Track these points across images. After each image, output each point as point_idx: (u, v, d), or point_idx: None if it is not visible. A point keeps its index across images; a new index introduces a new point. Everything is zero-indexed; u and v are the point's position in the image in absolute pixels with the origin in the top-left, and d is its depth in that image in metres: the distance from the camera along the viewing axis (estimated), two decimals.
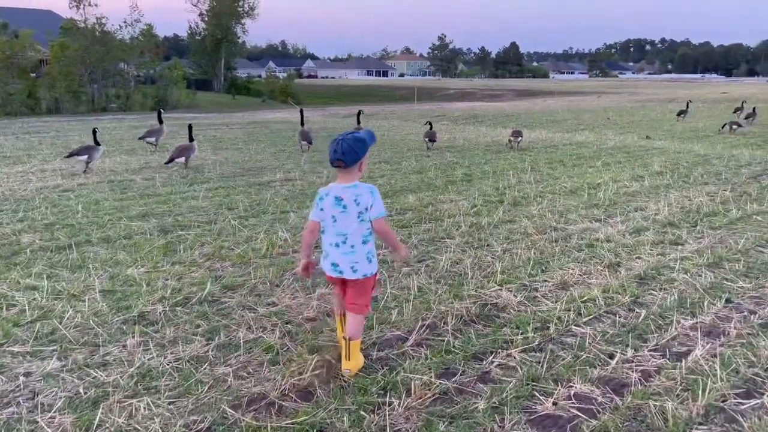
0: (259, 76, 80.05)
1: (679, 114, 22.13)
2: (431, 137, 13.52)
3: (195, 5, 74.11)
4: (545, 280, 4.90)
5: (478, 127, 19.45)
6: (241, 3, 73.89)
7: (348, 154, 3.18)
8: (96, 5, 43.97)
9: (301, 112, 14.04)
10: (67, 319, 4.06)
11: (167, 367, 3.44)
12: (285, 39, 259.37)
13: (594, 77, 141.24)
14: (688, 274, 5.04)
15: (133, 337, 3.78)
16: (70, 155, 10.04)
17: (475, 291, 4.62)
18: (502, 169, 10.33)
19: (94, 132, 10.60)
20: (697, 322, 4.11)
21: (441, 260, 5.25)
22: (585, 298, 4.47)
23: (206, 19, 73.96)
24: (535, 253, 5.59)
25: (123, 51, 44.13)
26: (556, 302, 4.43)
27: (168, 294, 4.50)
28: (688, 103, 22.84)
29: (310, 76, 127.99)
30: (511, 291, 4.64)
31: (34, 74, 41.25)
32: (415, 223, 6.69)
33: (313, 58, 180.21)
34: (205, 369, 3.43)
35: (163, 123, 13.14)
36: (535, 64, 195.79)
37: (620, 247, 5.83)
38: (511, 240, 6.08)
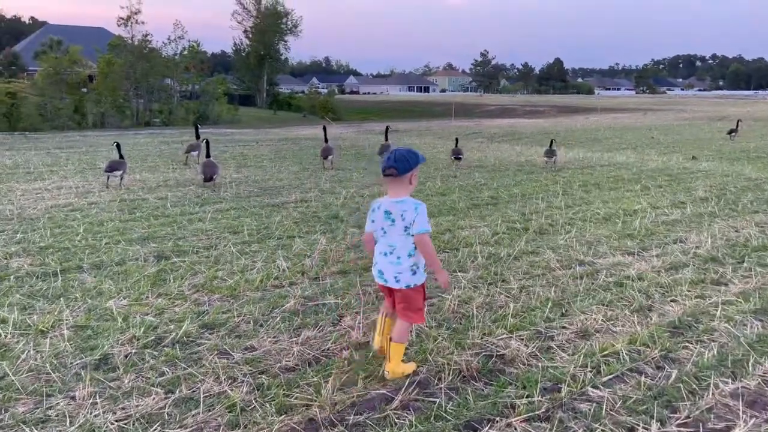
0: (303, 92, 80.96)
1: (729, 133, 21.02)
2: (457, 154, 13.22)
3: (240, 22, 75.73)
4: (563, 327, 4.32)
5: (513, 145, 18.81)
6: (284, 20, 75.21)
7: (401, 161, 3.35)
8: (143, 23, 45.08)
9: (324, 128, 13.71)
10: (23, 361, 3.70)
11: (111, 427, 3.02)
12: (329, 55, 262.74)
13: (640, 94, 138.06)
14: (731, 323, 4.39)
15: (86, 386, 3.38)
16: (108, 170, 9.98)
17: (481, 338, 4.07)
18: (532, 192, 9.73)
19: (118, 147, 10.52)
20: (739, 388, 3.47)
21: (448, 299, 4.72)
22: (607, 352, 3.88)
23: (250, 36, 75.49)
24: (555, 293, 5.01)
25: (167, 67, 45.15)
26: (572, 355, 3.85)
27: (141, 332, 4.10)
28: (738, 122, 21.69)
29: (352, 92, 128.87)
30: (522, 339, 4.08)
31: (83, 89, 42.47)
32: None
33: (356, 74, 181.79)
34: (154, 431, 3.00)
35: (199, 138, 13.11)
36: (579, 80, 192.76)
37: (653, 286, 5.19)
38: (531, 275, 5.50)
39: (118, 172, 10.09)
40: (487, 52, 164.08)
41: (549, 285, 5.22)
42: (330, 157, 12.58)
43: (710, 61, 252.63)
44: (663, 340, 4.07)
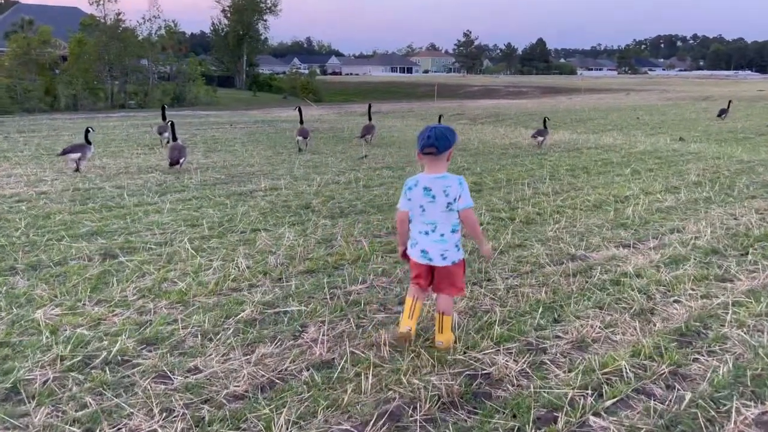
0: (284, 73, 79.53)
1: (720, 114, 20.66)
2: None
3: (218, 1, 73.86)
4: (557, 336, 3.79)
5: (497, 127, 18.26)
6: None
7: (441, 140, 3.35)
8: (116, 1, 43.59)
9: (299, 109, 13.38)
10: None
11: None
12: (311, 36, 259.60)
13: (623, 74, 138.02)
14: (744, 330, 3.89)
15: None
16: (63, 153, 9.70)
17: (464, 353, 3.54)
18: (518, 177, 9.19)
19: (87, 131, 9.98)
20: (764, 413, 2.98)
21: (427, 303, 4.17)
22: (608, 369, 3.35)
23: (229, 15, 73.71)
24: (546, 294, 4.48)
25: (141, 47, 43.79)
26: (568, 372, 3.33)
27: (68, 351, 3.51)
28: (729, 102, 21.35)
29: (334, 73, 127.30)
30: (510, 354, 3.55)
31: (53, 71, 41.07)
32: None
33: (338, 54, 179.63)
34: None
35: (166, 120, 12.68)
36: (562, 60, 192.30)
37: (653, 284, 4.69)
38: (519, 273, 4.97)
39: (74, 155, 9.55)
40: (470, 33, 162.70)
41: (539, 284, 4.70)
42: (306, 138, 12.10)
43: (691, 41, 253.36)
44: (670, 351, 3.56)
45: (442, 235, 3.45)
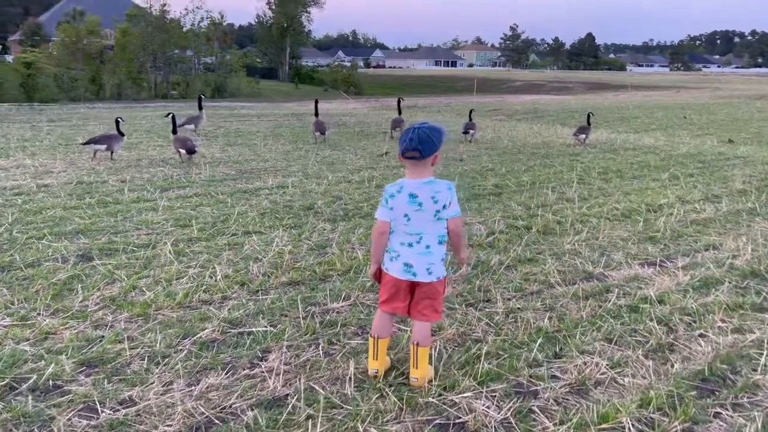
0: (327, 66, 79.53)
1: None
2: (466, 129, 12.80)
3: None
4: (554, 376, 3.26)
5: (532, 124, 17.51)
6: None
7: (425, 143, 2.94)
8: None
9: (316, 102, 13.31)
10: None
11: None
12: (356, 29, 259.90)
13: (675, 71, 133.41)
14: None
15: None
16: (88, 142, 9.67)
17: (439, 395, 3.04)
18: (544, 180, 8.57)
19: (117, 122, 9.89)
20: None
21: (407, 331, 3.68)
22: (606, 424, 2.81)
23: (273, 7, 74.06)
24: (551, 320, 3.94)
25: (185, 38, 44.25)
26: (559, 425, 2.81)
27: None
28: None
29: (378, 66, 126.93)
30: (494, 397, 3.04)
31: (99, 61, 41.84)
32: None
33: (383, 48, 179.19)
34: None
35: (203, 110, 12.95)
36: (612, 56, 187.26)
37: (677, 313, 4.09)
38: (524, 293, 4.43)
39: (100, 146, 9.57)
40: (516, 26, 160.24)
41: (544, 308, 4.15)
42: (324, 133, 11.93)
43: (749, 38, 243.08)
44: (687, 402, 2.99)
45: (428, 246, 3.05)
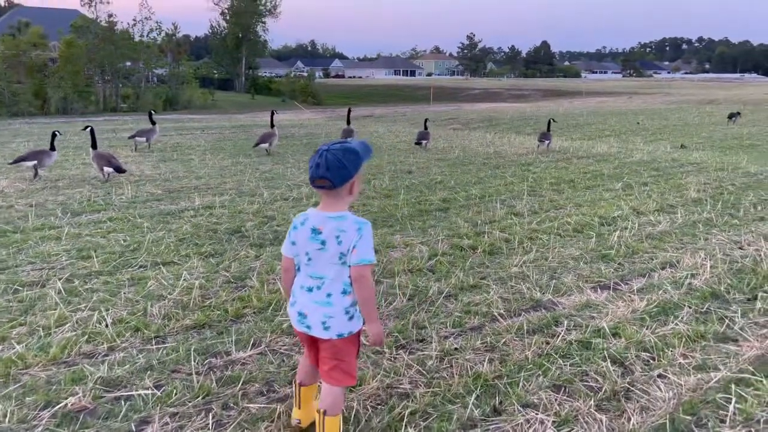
0: (286, 75, 78.55)
1: (730, 117, 19.57)
2: (420, 138, 12.78)
3: (216, 4, 73.06)
4: None
5: (487, 132, 17.18)
6: (262, 1, 72.58)
7: (335, 170, 2.39)
8: (108, 2, 43.01)
9: (272, 113, 13.32)
10: None
11: None
12: (315, 39, 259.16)
13: (627, 77, 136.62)
14: (751, 429, 2.81)
15: None
16: (17, 161, 9.13)
17: None
18: (493, 193, 8.10)
19: (53, 136, 9.27)
20: None
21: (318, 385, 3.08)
22: None
23: (227, 17, 72.88)
24: (492, 363, 3.41)
25: (134, 50, 42.93)
26: None
27: None
28: (739, 109, 20.43)
29: (337, 76, 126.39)
30: None
31: (42, 73, 40.23)
32: None
33: (342, 57, 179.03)
34: None
35: (155, 124, 12.75)
36: (567, 63, 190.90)
37: (633, 348, 3.61)
38: (463, 329, 3.89)
39: (29, 163, 9.02)
40: (474, 35, 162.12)
41: (485, 348, 3.62)
42: (266, 144, 11.48)
43: (696, 44, 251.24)
44: None
45: (329, 295, 2.49)
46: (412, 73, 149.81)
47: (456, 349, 3.60)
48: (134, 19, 44.07)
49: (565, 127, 18.63)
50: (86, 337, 3.68)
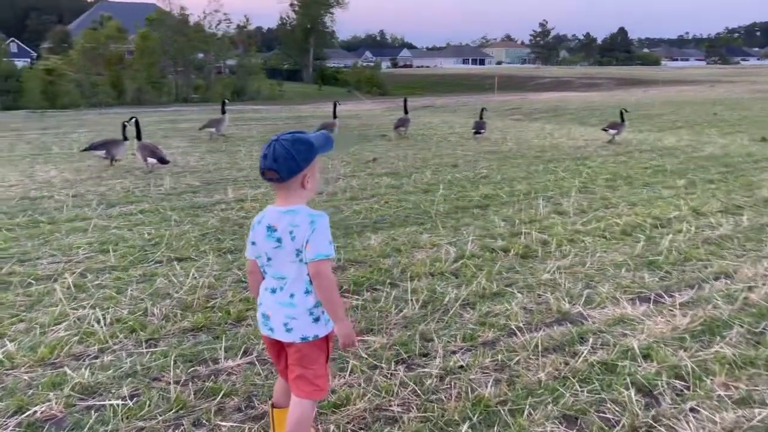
0: (353, 66, 78.85)
1: None
2: (478, 128, 12.49)
3: None
4: None
5: (548, 123, 16.45)
6: None
7: (282, 161, 2.21)
8: None
9: (335, 104, 13.54)
10: None
11: None
12: (384, 29, 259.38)
13: (712, 64, 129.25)
14: None
15: None
16: (88, 148, 9.49)
17: None
18: (540, 190, 7.61)
19: (124, 126, 9.52)
20: None
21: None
22: None
23: (296, 9, 73.78)
24: (497, 386, 3.05)
25: (204, 42, 44.08)
26: None
27: None
28: None
29: (405, 66, 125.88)
30: None
31: (119, 66, 41.95)
32: (345, 291, 4.28)
33: (410, 47, 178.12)
34: None
35: (226, 113, 12.99)
36: (645, 50, 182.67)
37: (665, 373, 3.16)
38: (473, 344, 3.54)
39: (99, 152, 9.36)
40: (546, 23, 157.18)
41: (494, 367, 3.27)
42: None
43: None
44: None
45: (291, 295, 2.30)
46: (482, 62, 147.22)
47: (461, 366, 3.27)
48: (204, 12, 45.19)
49: (635, 118, 17.58)
50: (78, 337, 3.57)
